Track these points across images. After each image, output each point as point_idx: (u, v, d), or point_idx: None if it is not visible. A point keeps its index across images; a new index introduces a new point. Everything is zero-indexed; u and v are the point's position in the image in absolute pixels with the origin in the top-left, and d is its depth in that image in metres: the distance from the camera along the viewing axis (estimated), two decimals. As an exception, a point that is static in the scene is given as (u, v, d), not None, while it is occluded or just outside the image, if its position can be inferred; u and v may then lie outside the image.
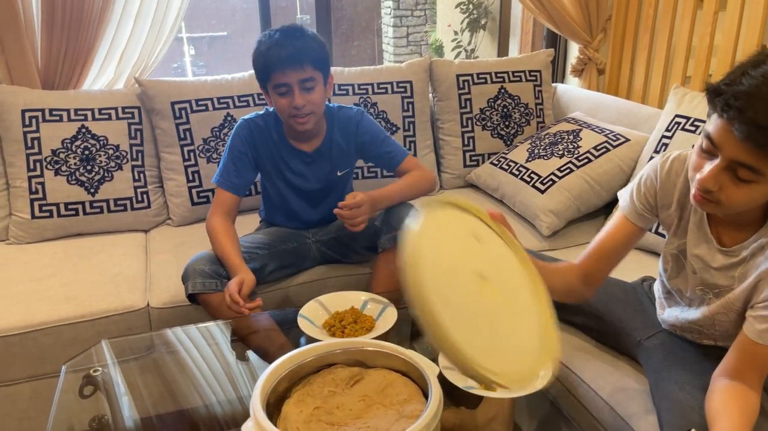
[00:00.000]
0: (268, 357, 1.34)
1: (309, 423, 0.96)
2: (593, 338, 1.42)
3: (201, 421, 1.22)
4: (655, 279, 1.44)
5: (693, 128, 1.79)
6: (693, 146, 1.02)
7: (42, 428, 1.61)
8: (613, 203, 2.02)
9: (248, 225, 1.86)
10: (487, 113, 2.39)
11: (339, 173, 1.71)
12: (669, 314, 1.24)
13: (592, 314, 1.38)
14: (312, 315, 1.35)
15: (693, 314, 1.17)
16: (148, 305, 1.63)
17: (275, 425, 0.94)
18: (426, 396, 0.99)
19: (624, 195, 1.22)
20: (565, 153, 2.06)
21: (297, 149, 1.65)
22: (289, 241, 1.73)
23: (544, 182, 1.99)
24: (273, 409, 0.99)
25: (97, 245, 1.92)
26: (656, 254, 1.79)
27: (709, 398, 1.03)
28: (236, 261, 1.48)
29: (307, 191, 1.71)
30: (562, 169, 2.01)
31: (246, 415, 0.92)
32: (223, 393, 1.25)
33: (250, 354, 1.34)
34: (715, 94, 0.93)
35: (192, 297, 1.51)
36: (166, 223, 2.12)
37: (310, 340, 1.26)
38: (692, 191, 1.01)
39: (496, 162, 2.26)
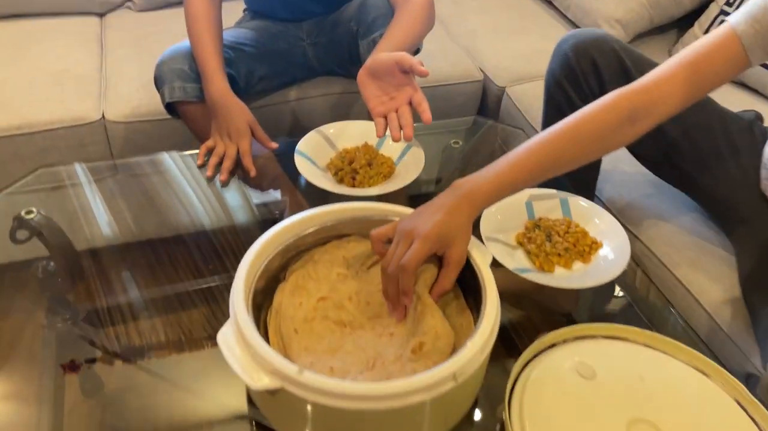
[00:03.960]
0: (259, 189, 1.05)
1: (311, 322, 0.70)
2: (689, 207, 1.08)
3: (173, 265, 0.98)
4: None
5: None
6: None
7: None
8: (694, 15, 1.59)
9: (229, 18, 1.44)
10: None
11: None
12: None
13: (685, 175, 1.03)
14: (313, 152, 1.03)
15: None
16: (104, 118, 1.29)
17: (266, 321, 0.69)
18: (467, 287, 0.72)
19: (743, 12, 0.79)
20: (644, -58, 1.57)
21: None
22: (280, 40, 1.33)
23: (613, -20, 1.54)
24: (263, 297, 0.72)
25: (37, 31, 1.51)
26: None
27: None
28: (220, 83, 1.08)
29: None
30: (638, -36, 1.54)
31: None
32: (195, 227, 0.98)
33: (238, 184, 1.05)
34: None
35: (170, 107, 1.17)
36: (126, 6, 1.69)
37: (311, 187, 0.97)
38: None
39: (549, -51, 1.76)
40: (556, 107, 1.06)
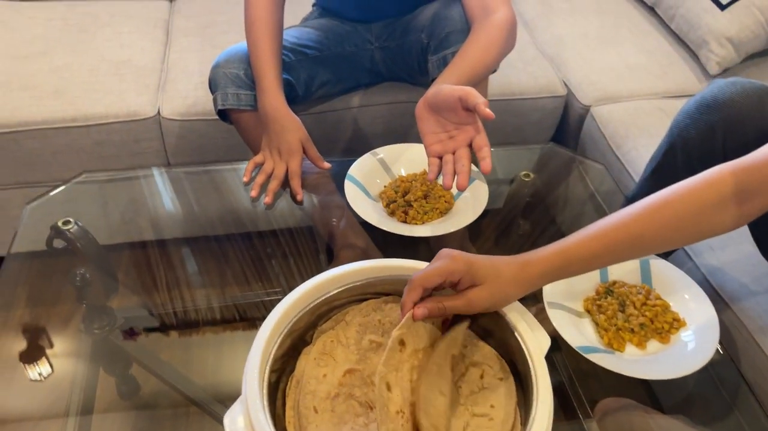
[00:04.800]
0: (313, 209, 0.99)
1: (334, 400, 0.62)
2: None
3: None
4: None
5: None
6: None
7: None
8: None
9: (297, 10, 1.35)
10: None
11: None
12: None
13: None
14: (365, 179, 0.95)
15: None
16: (159, 114, 1.24)
17: (285, 390, 0.61)
18: (519, 378, 0.63)
19: None
20: (772, -53, 1.36)
21: None
22: (347, 42, 1.23)
23: (729, -9, 1.35)
24: (285, 360, 0.64)
25: (105, 13, 1.48)
26: None
27: None
28: (275, 97, 0.99)
29: None
30: (760, -27, 1.34)
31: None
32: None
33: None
34: None
35: (223, 113, 1.10)
36: (197, -11, 1.62)
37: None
38: None
39: (656, -52, 1.57)
40: (670, 163, 0.87)
